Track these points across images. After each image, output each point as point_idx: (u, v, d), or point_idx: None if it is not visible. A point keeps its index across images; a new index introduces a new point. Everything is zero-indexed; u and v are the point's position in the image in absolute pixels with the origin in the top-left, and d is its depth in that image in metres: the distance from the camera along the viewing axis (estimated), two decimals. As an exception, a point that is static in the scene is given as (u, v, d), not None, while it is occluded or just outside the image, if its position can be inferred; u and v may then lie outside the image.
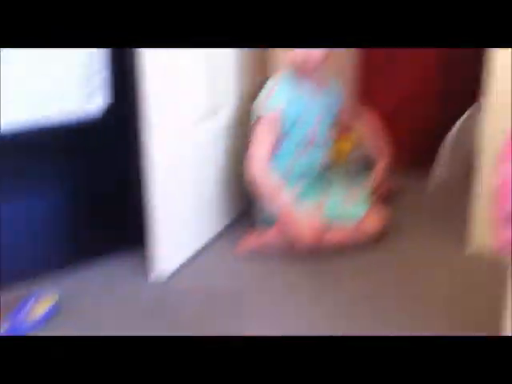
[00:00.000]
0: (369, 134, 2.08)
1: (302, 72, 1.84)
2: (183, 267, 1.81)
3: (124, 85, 1.76)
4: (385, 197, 2.02)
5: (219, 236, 2.00)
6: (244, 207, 2.13)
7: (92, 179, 2.05)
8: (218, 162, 1.98)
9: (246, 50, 2.07)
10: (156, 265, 1.75)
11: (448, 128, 2.23)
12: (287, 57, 1.82)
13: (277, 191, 1.74)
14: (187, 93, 1.77)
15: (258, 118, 1.78)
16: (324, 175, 1.98)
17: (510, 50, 1.65)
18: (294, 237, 1.73)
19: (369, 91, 2.55)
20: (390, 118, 2.42)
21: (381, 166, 2.00)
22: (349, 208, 1.85)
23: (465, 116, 2.20)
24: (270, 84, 1.85)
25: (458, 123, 2.21)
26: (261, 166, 1.75)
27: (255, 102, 1.84)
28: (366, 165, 2.12)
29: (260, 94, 1.84)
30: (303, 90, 1.86)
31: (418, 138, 2.42)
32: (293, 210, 1.75)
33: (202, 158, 1.87)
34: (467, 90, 2.17)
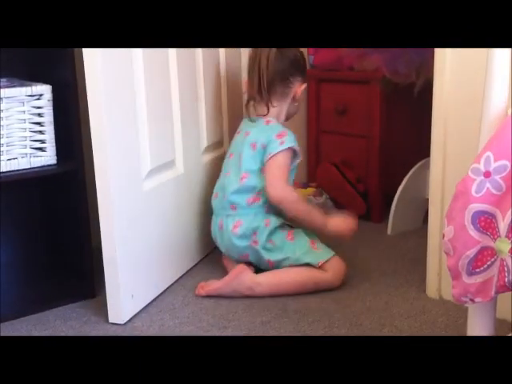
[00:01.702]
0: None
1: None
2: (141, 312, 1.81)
3: (72, 138, 1.79)
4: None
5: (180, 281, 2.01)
6: (208, 250, 2.17)
7: (47, 229, 2.05)
8: (179, 209, 2.00)
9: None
10: (114, 311, 1.73)
11: (398, 179, 2.33)
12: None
13: (310, 209, 1.98)
14: (141, 144, 1.79)
15: (276, 153, 1.93)
16: None
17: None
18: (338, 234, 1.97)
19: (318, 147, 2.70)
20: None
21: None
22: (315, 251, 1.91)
23: (413, 170, 2.30)
24: (273, 125, 2.00)
25: (408, 176, 2.30)
26: (287, 192, 1.93)
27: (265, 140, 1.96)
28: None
29: (263, 133, 1.98)
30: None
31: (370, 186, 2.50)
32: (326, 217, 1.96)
33: (160, 205, 1.89)
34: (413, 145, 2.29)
